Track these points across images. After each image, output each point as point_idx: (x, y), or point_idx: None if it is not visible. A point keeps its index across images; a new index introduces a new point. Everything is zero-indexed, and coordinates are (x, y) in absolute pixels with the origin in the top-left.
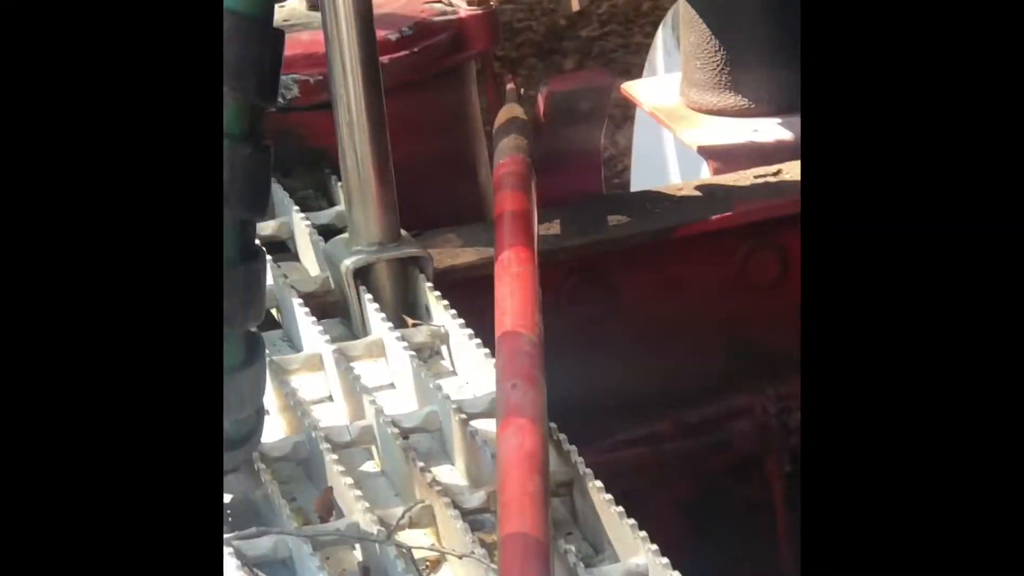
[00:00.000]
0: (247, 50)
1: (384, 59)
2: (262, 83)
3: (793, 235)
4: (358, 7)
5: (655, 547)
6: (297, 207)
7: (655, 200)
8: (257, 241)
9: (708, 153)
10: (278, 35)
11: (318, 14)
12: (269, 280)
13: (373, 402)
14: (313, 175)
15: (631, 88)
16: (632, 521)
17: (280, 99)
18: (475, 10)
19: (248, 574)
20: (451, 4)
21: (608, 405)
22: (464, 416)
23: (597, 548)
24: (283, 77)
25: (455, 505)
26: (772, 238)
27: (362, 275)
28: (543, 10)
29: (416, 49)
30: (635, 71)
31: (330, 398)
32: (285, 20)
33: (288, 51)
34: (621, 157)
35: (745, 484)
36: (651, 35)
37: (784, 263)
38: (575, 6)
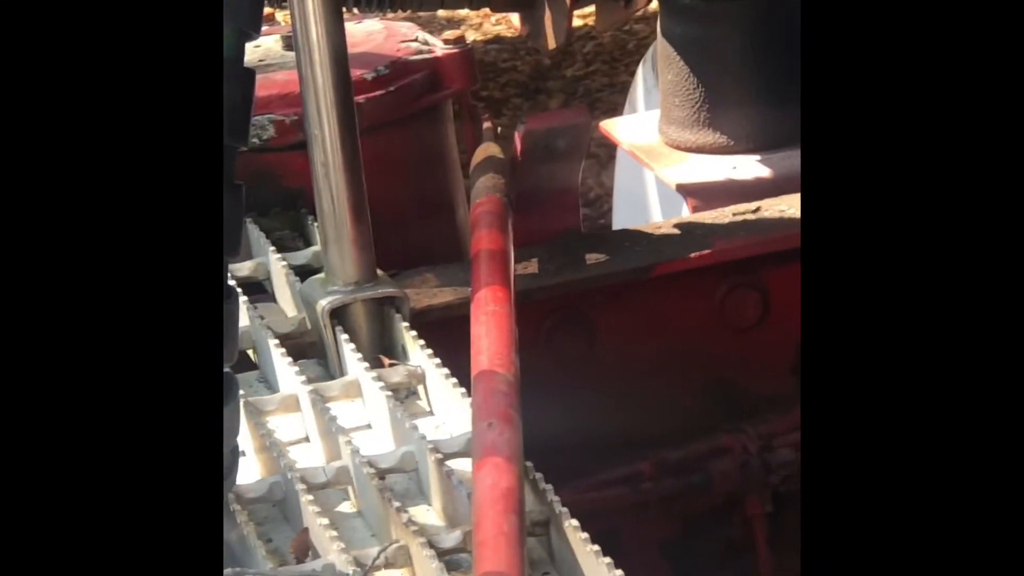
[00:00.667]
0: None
1: (360, 99)
2: (232, 123)
3: (774, 273)
4: (333, 47)
5: None
6: (273, 247)
7: (634, 238)
8: (231, 281)
9: (687, 191)
10: (248, 75)
11: (293, 54)
12: (244, 320)
13: (349, 443)
14: (289, 215)
15: (610, 126)
16: (608, 560)
17: (256, 139)
18: (452, 49)
19: None
20: (427, 43)
21: (587, 444)
22: (440, 456)
23: None
24: (259, 117)
25: (431, 545)
26: (752, 276)
27: (338, 315)
28: (528, 50)
29: (392, 88)
30: (620, 110)
31: (306, 439)
32: (260, 60)
33: (263, 91)
34: (606, 197)
35: (726, 525)
36: (636, 73)
37: (764, 302)
38: (552, 44)
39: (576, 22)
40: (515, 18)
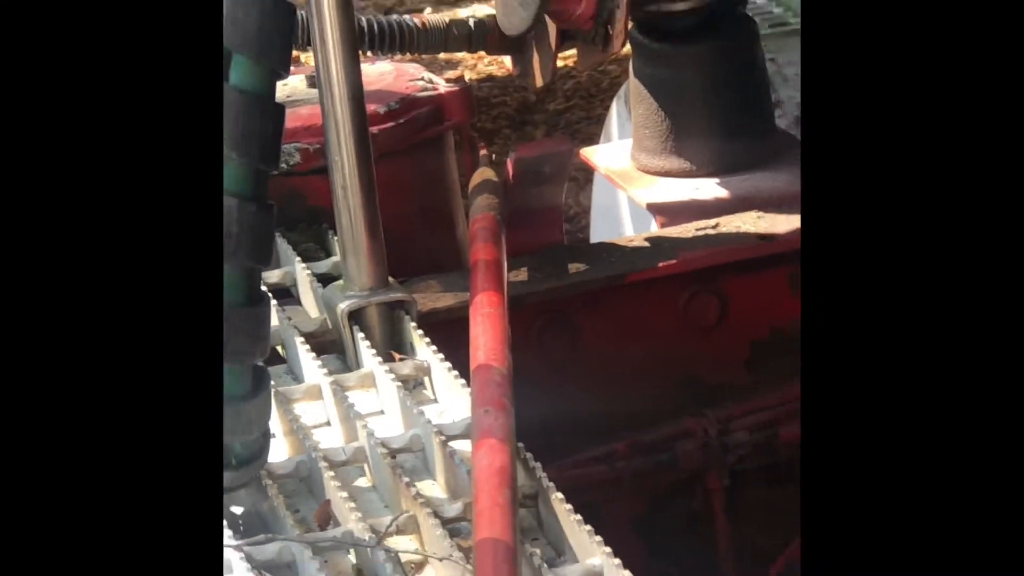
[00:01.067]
0: (251, 122)
1: (374, 129)
2: (265, 150)
3: (731, 281)
4: (351, 85)
5: (609, 550)
6: (299, 258)
7: (610, 250)
8: (264, 287)
9: (656, 209)
10: (279, 109)
11: (316, 91)
12: (274, 321)
13: (365, 426)
14: (313, 230)
15: (589, 153)
16: (589, 528)
17: (284, 164)
18: (453, 87)
19: None
20: (431, 82)
21: (570, 428)
22: (444, 438)
23: (559, 551)
24: (286, 146)
25: (436, 515)
26: (712, 284)
27: (355, 317)
28: (516, 88)
29: (402, 121)
30: (596, 139)
31: (328, 423)
32: (288, 96)
33: (290, 123)
34: (584, 215)
35: (689, 497)
36: (610, 107)
37: (723, 306)
38: (539, 82)
39: (558, 63)
40: (507, 60)
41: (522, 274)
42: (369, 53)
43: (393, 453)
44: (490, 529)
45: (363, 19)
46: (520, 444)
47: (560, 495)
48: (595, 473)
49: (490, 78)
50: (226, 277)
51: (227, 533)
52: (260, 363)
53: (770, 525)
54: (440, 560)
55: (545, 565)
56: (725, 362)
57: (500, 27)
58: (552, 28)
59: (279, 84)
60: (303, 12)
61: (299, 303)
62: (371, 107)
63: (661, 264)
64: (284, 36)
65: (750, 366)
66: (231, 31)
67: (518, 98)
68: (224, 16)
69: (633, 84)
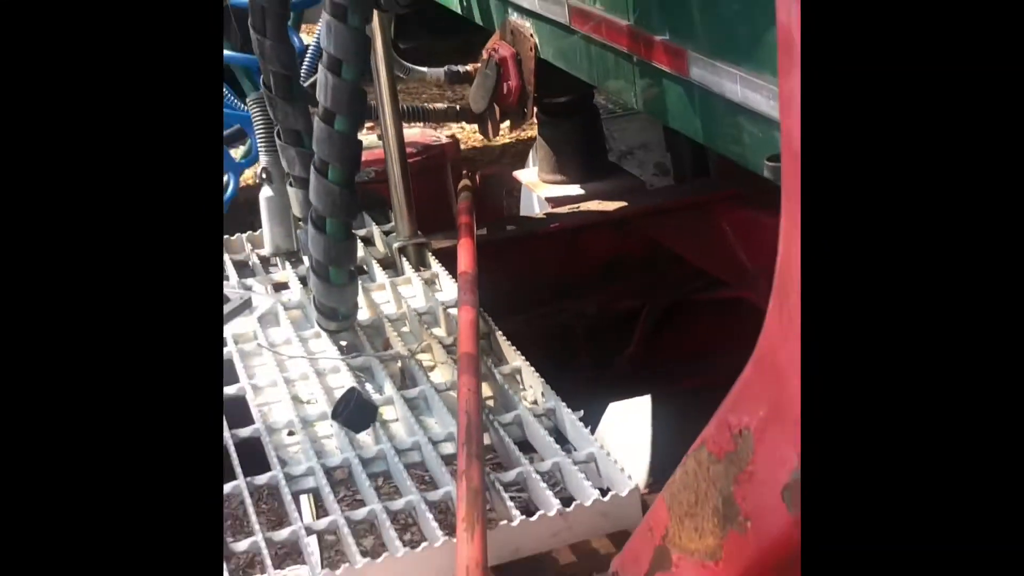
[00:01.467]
0: (344, 149)
1: (410, 161)
2: (352, 163)
3: (586, 233)
4: (398, 139)
5: (524, 358)
6: (374, 223)
7: (527, 220)
8: (354, 232)
9: (549, 200)
10: (359, 142)
11: (382, 141)
12: (361, 252)
13: (406, 302)
14: (381, 209)
15: (518, 174)
16: (515, 348)
17: (365, 177)
18: (449, 140)
19: (352, 375)
20: (439, 138)
21: (506, 302)
22: (444, 306)
23: (500, 360)
24: (367, 168)
25: (440, 343)
26: (577, 235)
27: (402, 251)
28: (490, 150)
29: (424, 156)
30: (524, 168)
31: (388, 301)
32: (368, 145)
33: (368, 157)
34: (515, 203)
35: (567, 339)
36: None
37: (583, 247)
38: (491, 137)
39: (508, 139)
40: (476, 126)
41: (483, 231)
42: (406, 122)
43: (420, 314)
44: (466, 348)
45: (403, 105)
46: (481, 308)
47: (500, 333)
48: (519, 326)
49: (475, 147)
50: (335, 226)
51: (335, 352)
52: (352, 268)
53: (606, 352)
54: (442, 363)
55: (492, 366)
56: (583, 274)
57: (471, 109)
58: (497, 109)
59: (361, 136)
60: (372, 100)
61: (375, 245)
62: (409, 150)
63: (552, 225)
64: (363, 106)
65: (595, 277)
66: (334, 102)
67: (488, 154)
68: (329, 91)
69: (538, 139)
